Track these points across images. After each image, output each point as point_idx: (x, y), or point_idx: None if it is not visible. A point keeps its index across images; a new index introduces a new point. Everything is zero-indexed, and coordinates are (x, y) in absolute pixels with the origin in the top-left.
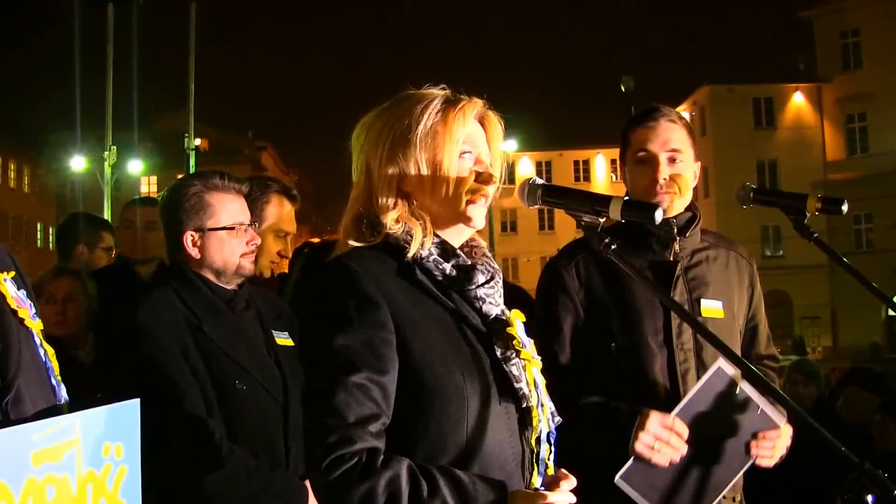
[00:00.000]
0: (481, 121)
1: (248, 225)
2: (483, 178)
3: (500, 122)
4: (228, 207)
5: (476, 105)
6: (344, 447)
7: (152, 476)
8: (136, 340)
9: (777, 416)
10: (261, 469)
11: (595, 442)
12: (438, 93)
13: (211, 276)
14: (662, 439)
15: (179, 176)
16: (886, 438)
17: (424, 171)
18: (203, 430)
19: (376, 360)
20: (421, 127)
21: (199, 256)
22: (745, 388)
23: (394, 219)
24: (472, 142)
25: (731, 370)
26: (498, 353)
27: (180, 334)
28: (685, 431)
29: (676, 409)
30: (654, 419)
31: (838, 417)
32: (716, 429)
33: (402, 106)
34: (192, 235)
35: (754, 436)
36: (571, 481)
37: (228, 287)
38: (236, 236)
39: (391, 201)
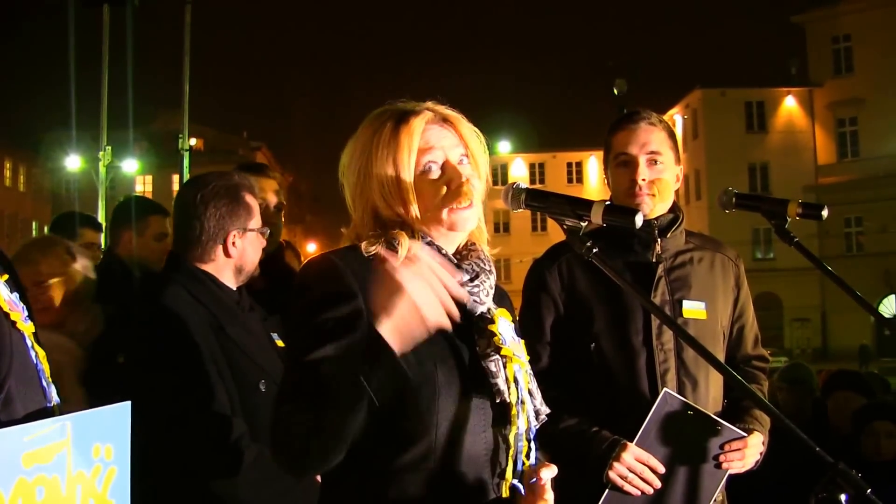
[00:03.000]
0: (449, 124)
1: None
2: (454, 184)
3: (461, 115)
4: (257, 209)
5: (424, 116)
6: (289, 420)
7: (181, 475)
8: (170, 341)
9: (740, 426)
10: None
11: (572, 467)
12: (393, 110)
13: (227, 277)
14: (635, 471)
15: (174, 176)
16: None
17: (394, 198)
18: (235, 432)
19: (345, 349)
20: (378, 159)
21: (233, 256)
22: (698, 406)
23: (364, 247)
24: (430, 150)
25: (677, 394)
26: (478, 349)
27: (207, 334)
28: (660, 468)
29: (635, 440)
30: (631, 452)
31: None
32: (682, 452)
33: (363, 136)
34: (235, 235)
35: (722, 448)
36: (552, 469)
37: (233, 288)
38: (260, 238)
39: (370, 231)
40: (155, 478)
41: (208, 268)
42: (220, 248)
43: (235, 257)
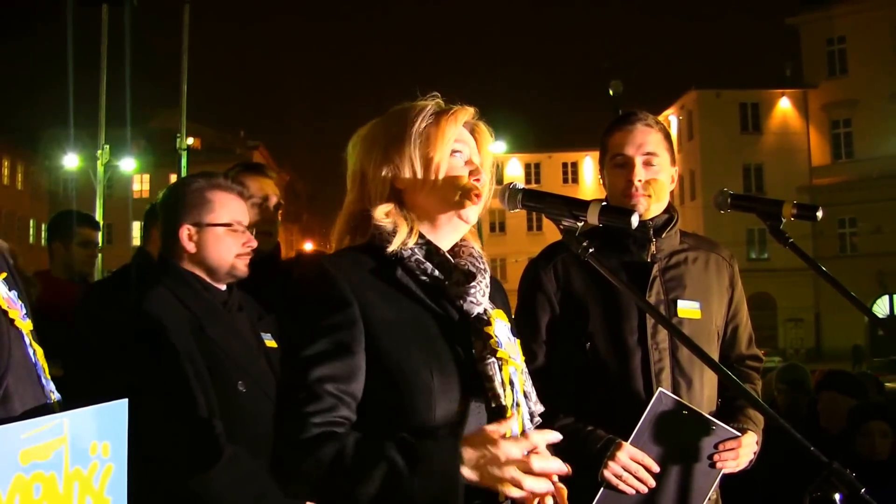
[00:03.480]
0: (472, 131)
1: (247, 228)
2: (474, 174)
3: (491, 132)
4: (228, 205)
5: (467, 111)
6: (297, 445)
7: (156, 475)
8: (146, 341)
9: (734, 425)
10: (264, 471)
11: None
12: (431, 102)
13: (204, 275)
14: (630, 470)
15: (172, 174)
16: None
17: (417, 168)
18: (209, 432)
19: (341, 358)
20: (414, 128)
21: (194, 251)
22: (693, 406)
23: (384, 212)
24: (462, 144)
25: (672, 394)
26: (474, 352)
27: (185, 335)
28: (655, 467)
29: (630, 440)
30: (626, 451)
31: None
32: (677, 452)
33: (397, 115)
34: (188, 229)
35: (717, 448)
36: (553, 435)
37: (221, 288)
38: (232, 235)
39: (384, 197)
40: (132, 476)
41: (186, 266)
42: (176, 243)
43: (193, 251)
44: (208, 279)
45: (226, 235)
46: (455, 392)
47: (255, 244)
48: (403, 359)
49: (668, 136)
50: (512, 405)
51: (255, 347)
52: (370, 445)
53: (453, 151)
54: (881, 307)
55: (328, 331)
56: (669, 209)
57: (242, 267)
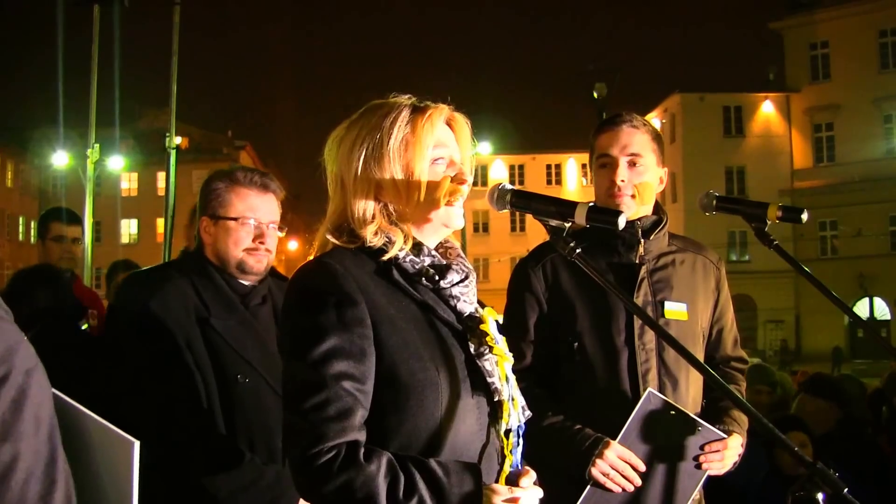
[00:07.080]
0: (449, 122)
1: (267, 224)
2: (458, 180)
3: (467, 122)
4: (243, 200)
5: (442, 111)
6: (323, 441)
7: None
8: (141, 328)
9: (720, 427)
10: (253, 462)
11: (556, 463)
12: (405, 101)
13: (225, 267)
14: (617, 468)
15: (160, 173)
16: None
17: (400, 181)
18: (199, 420)
19: (355, 355)
20: (392, 140)
21: (210, 244)
22: (680, 407)
23: (373, 232)
24: (442, 146)
25: (660, 394)
26: (472, 349)
27: (187, 325)
28: (642, 466)
29: (618, 438)
30: (613, 449)
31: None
32: (663, 452)
33: (371, 118)
34: (204, 221)
35: (702, 449)
36: (531, 475)
37: (246, 282)
38: (241, 228)
39: (369, 214)
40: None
41: (212, 258)
42: (200, 235)
43: (209, 243)
44: (230, 272)
45: (236, 229)
46: (458, 388)
47: (270, 241)
48: (411, 357)
49: (656, 137)
50: (508, 400)
51: (273, 341)
52: (401, 483)
53: (435, 160)
54: (861, 310)
55: (340, 328)
56: (658, 211)
57: (252, 263)
